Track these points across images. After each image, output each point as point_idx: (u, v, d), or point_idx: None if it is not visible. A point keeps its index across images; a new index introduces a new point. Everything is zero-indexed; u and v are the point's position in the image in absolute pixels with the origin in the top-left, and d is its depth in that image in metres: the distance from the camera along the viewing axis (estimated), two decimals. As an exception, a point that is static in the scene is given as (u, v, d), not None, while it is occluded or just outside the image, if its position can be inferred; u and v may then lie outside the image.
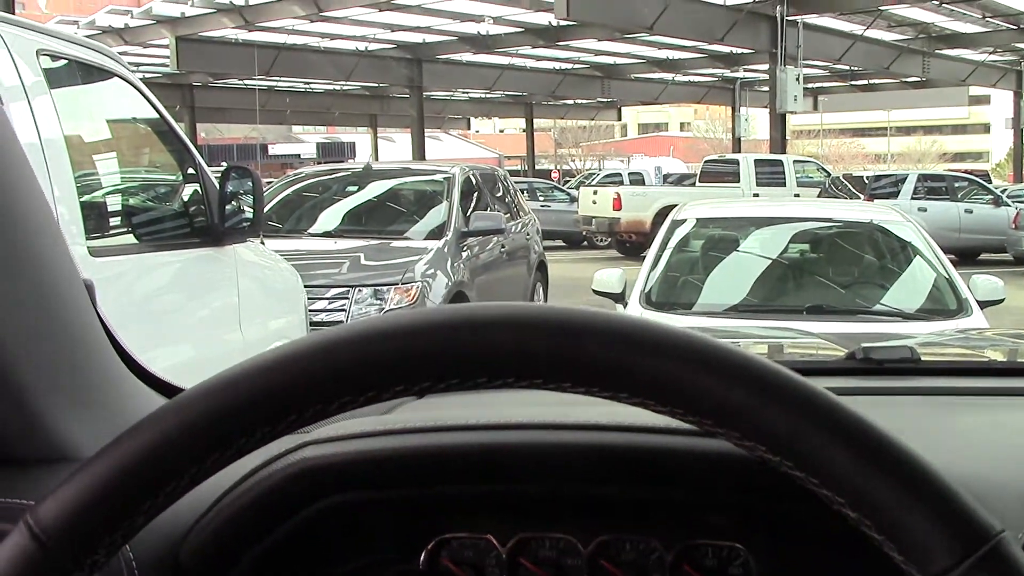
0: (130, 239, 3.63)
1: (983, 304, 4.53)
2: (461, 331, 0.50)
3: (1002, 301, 4.68)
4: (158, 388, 0.92)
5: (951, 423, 0.95)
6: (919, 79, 30.42)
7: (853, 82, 34.46)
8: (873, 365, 1.17)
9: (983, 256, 18.21)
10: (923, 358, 1.20)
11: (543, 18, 21.45)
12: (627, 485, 0.71)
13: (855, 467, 0.49)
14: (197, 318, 3.95)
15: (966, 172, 24.67)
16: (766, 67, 23.10)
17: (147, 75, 27.69)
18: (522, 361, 0.50)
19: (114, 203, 3.75)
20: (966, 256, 17.07)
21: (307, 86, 33.50)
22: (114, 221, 3.69)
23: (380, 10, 20.68)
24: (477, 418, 0.72)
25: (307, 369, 0.51)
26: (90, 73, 3.51)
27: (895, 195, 17.54)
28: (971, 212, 18.02)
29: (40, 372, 0.76)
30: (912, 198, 17.57)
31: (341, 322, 6.25)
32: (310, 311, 5.39)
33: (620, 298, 5.00)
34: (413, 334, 0.51)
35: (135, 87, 3.70)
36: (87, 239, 3.08)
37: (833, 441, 0.49)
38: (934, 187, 18.70)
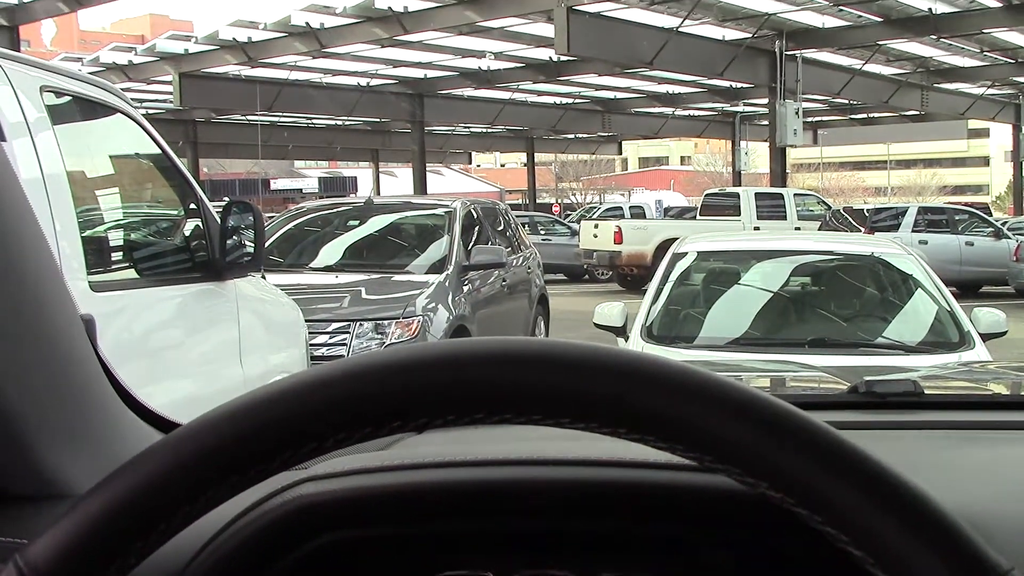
0: (131, 274, 3.63)
1: (985, 337, 4.52)
2: (460, 367, 0.50)
3: (1004, 334, 4.67)
4: (155, 424, 0.91)
5: (955, 458, 0.95)
6: (918, 113, 30.57)
7: (852, 116, 34.63)
8: (876, 399, 1.17)
9: (984, 289, 18.21)
10: (926, 391, 1.20)
11: (544, 54, 21.62)
12: (628, 521, 0.70)
13: (860, 505, 0.48)
14: (198, 353, 3.94)
15: (966, 205, 24.72)
16: (766, 101, 23.23)
17: (150, 111, 27.86)
18: (520, 397, 0.50)
19: (116, 238, 3.76)
20: (967, 289, 17.06)
21: (309, 121, 33.68)
22: (115, 256, 3.69)
23: (382, 46, 20.84)
24: (476, 454, 0.72)
25: (302, 405, 0.50)
26: (93, 109, 3.52)
27: (895, 228, 17.57)
28: (972, 245, 18.04)
29: (35, 408, 0.75)
30: (913, 231, 17.59)
31: (342, 356, 6.24)
32: (311, 345, 5.39)
33: (621, 332, 4.99)
34: (410, 369, 0.50)
35: (138, 123, 3.72)
36: (88, 274, 3.08)
37: (838, 478, 0.49)
38: (934, 220, 18.73)
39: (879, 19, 19.42)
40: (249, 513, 0.69)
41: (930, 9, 18.45)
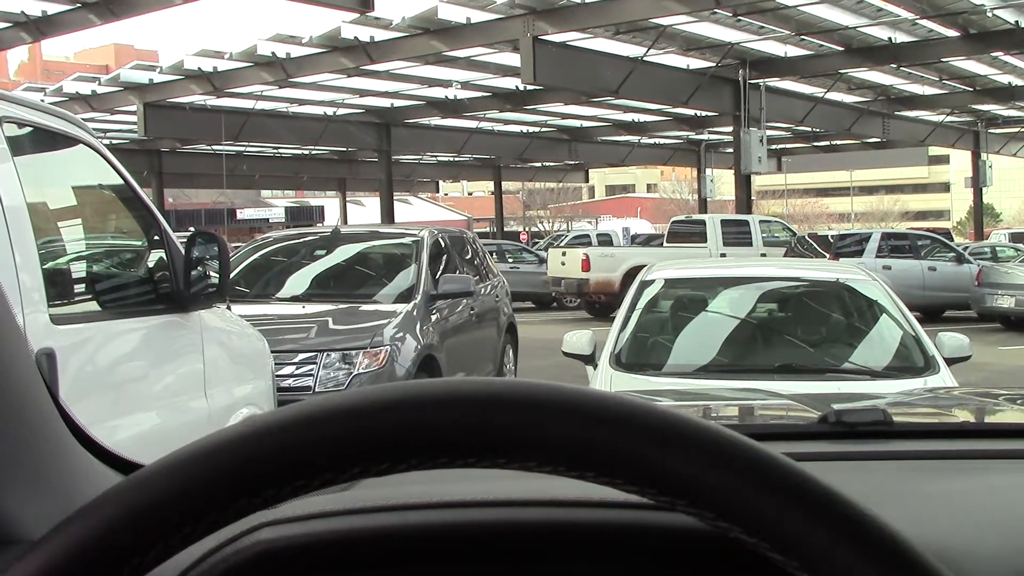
0: (94, 306, 3.58)
1: (950, 361, 4.56)
2: (422, 409, 0.48)
3: (969, 358, 4.72)
4: (112, 464, 0.89)
5: (925, 489, 0.94)
6: (880, 140, 31.03)
7: (816, 143, 35.08)
8: (846, 428, 1.17)
9: (948, 313, 18.42)
10: (895, 420, 1.20)
11: (510, 83, 21.73)
12: (596, 561, 0.69)
13: (833, 547, 0.47)
14: (162, 386, 3.89)
15: (928, 231, 25.06)
16: (730, 129, 23.48)
17: (114, 141, 27.68)
18: (485, 441, 0.48)
19: (78, 270, 3.71)
20: (931, 313, 17.26)
21: (275, 151, 33.62)
22: (77, 288, 3.64)
23: (348, 75, 20.86)
24: (440, 495, 0.70)
25: (259, 451, 0.48)
26: (55, 140, 3.49)
27: (859, 254, 17.76)
28: (935, 270, 18.26)
29: None
30: (876, 256, 17.79)
31: (309, 388, 6.19)
32: (278, 376, 5.33)
33: (590, 360, 4.99)
34: (372, 413, 0.49)
35: (100, 153, 3.68)
36: (50, 306, 3.04)
37: (812, 522, 0.48)
38: (898, 245, 18.96)
39: (840, 48, 19.73)
40: (206, 561, 0.67)
41: (890, 39, 18.77)
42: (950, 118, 29.81)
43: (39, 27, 15.00)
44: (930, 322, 14.49)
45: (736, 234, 20.32)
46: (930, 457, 1.09)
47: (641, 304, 5.08)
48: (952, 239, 25.59)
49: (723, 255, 19.07)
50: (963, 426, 1.46)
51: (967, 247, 22.35)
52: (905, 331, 4.78)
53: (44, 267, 3.07)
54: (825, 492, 0.48)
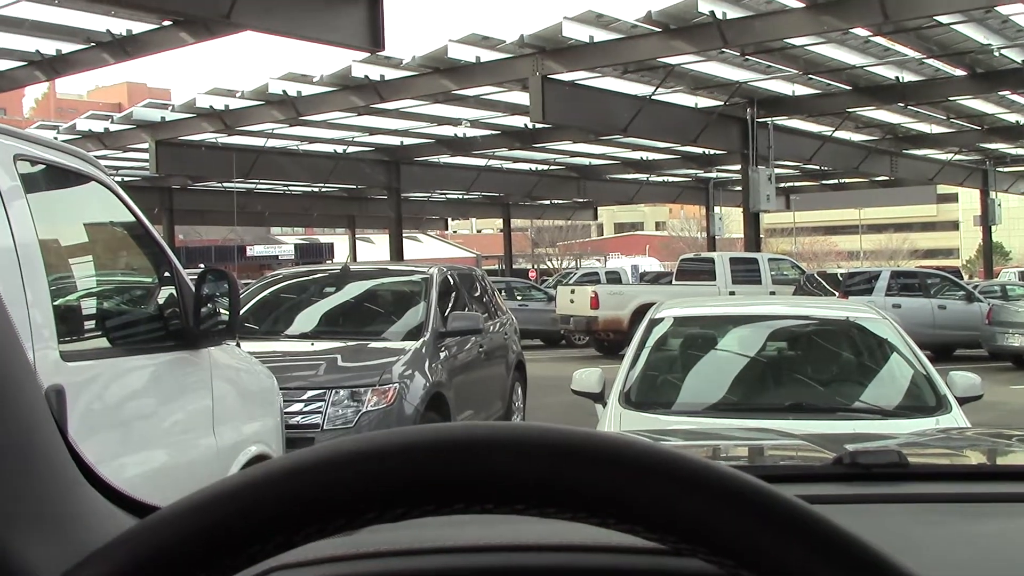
0: (103, 343, 3.58)
1: (962, 401, 4.53)
2: (438, 455, 0.48)
3: (980, 397, 4.68)
4: (121, 504, 0.88)
5: (944, 532, 0.93)
6: (888, 178, 31.07)
7: (824, 181, 35.15)
8: (860, 470, 1.15)
9: (958, 352, 18.33)
10: (910, 461, 1.18)
11: (519, 121, 21.85)
12: None
13: None
14: (170, 423, 3.88)
15: (938, 269, 25.01)
16: (739, 167, 23.55)
17: (126, 178, 27.87)
18: (503, 488, 0.48)
19: (88, 306, 3.71)
20: (941, 352, 17.17)
21: (286, 188, 33.80)
22: (88, 325, 3.65)
23: (359, 114, 21.01)
24: (453, 539, 0.69)
25: (271, 496, 0.48)
26: (67, 177, 3.51)
27: (869, 292, 17.71)
28: (945, 308, 18.20)
29: None
30: (886, 295, 17.74)
31: (317, 425, 6.17)
32: (286, 414, 5.32)
33: (599, 398, 4.97)
34: (387, 456, 0.48)
35: (112, 191, 3.70)
36: (60, 343, 3.04)
37: (828, 566, 0.47)
38: (907, 284, 18.91)
39: (848, 87, 19.81)
40: None
41: (897, 78, 18.86)
42: (958, 156, 29.86)
43: (53, 66, 15.16)
44: (941, 361, 14.41)
45: (745, 272, 20.30)
46: (947, 500, 1.08)
47: (650, 342, 5.07)
48: (962, 277, 25.54)
49: (732, 293, 19.03)
50: (979, 468, 1.45)
51: (977, 285, 22.28)
52: (916, 370, 4.75)
53: (55, 304, 3.08)
54: (854, 544, 0.47)
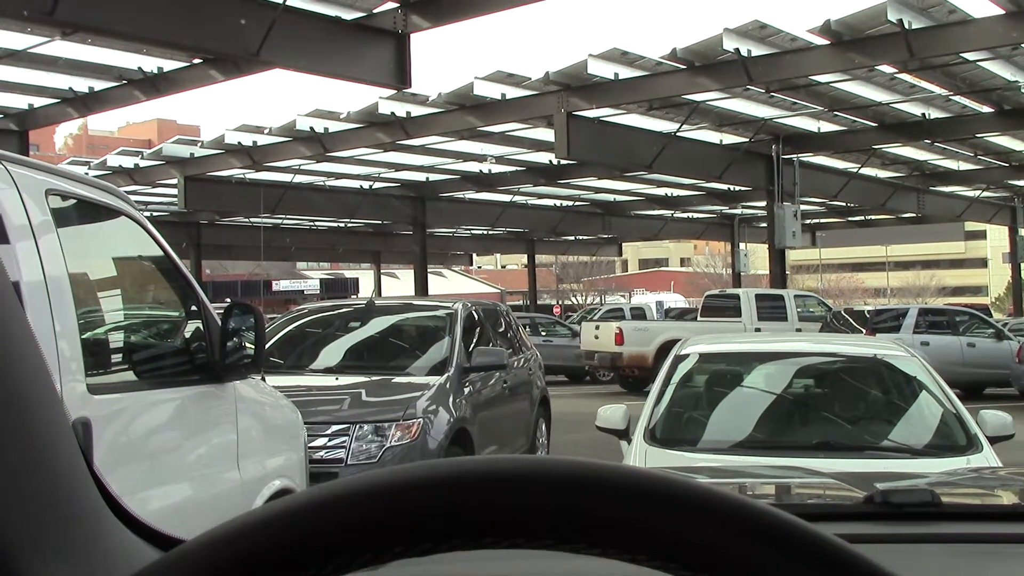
0: (130, 376, 3.60)
1: (993, 440, 4.46)
2: (467, 488, 0.47)
3: (1012, 436, 4.61)
4: (145, 535, 0.88)
5: (978, 574, 0.91)
6: (915, 215, 30.89)
7: (850, 218, 34.99)
8: (892, 509, 1.13)
9: (988, 390, 18.10)
10: (944, 501, 1.16)
11: (544, 157, 21.94)
12: None
13: None
14: (195, 456, 3.89)
15: (966, 306, 24.77)
16: (764, 204, 23.49)
17: (155, 213, 28.17)
18: (534, 521, 0.47)
19: (116, 340, 3.74)
20: (971, 390, 16.96)
21: (312, 223, 34.02)
22: (115, 358, 3.67)
23: (385, 150, 21.16)
24: (478, 573, 0.68)
25: (299, 530, 0.47)
26: (97, 212, 3.55)
27: (896, 329, 17.56)
28: (974, 346, 18.00)
29: (20, 521, 0.72)
30: (914, 332, 17.58)
31: (341, 460, 6.16)
32: (310, 448, 5.32)
33: (624, 434, 4.94)
34: (417, 489, 0.48)
35: (141, 225, 3.74)
36: (87, 376, 3.06)
37: None
38: (935, 321, 18.75)
39: (874, 124, 19.77)
40: None
41: (924, 114, 18.80)
42: (986, 193, 29.67)
43: (86, 103, 15.39)
44: (970, 399, 14.22)
45: (771, 309, 20.19)
46: (981, 540, 1.05)
47: (675, 379, 5.04)
48: (991, 315, 25.27)
49: (757, 330, 18.92)
50: (1013, 508, 1.42)
51: (1006, 323, 22.04)
52: (946, 408, 4.69)
53: (83, 337, 3.10)
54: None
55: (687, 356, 5.24)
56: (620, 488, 0.47)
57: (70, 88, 14.84)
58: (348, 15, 11.83)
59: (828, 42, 13.97)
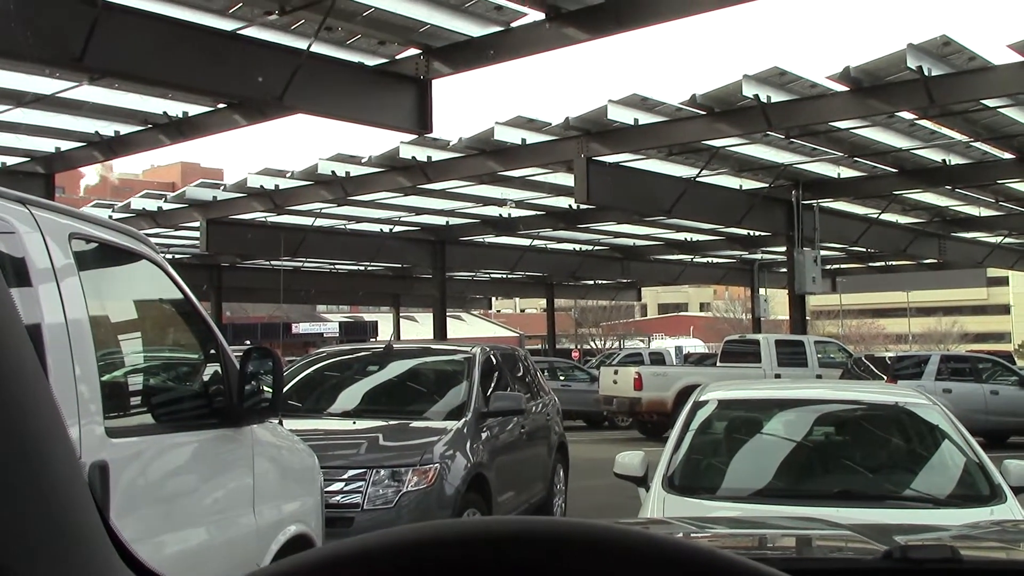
0: (148, 419, 3.61)
1: (1017, 490, 4.39)
2: (503, 544, 0.47)
3: (1036, 487, 4.54)
4: None
5: None
6: (936, 261, 30.73)
7: (871, 263, 34.84)
8: (912, 566, 1.11)
9: (1012, 439, 17.87)
10: (964, 556, 1.14)
11: (564, 202, 22.02)
12: None
13: None
14: (211, 500, 3.88)
15: (989, 353, 24.54)
16: (784, 249, 23.45)
17: (177, 256, 28.40)
18: None
19: (134, 383, 3.76)
20: (994, 439, 16.74)
21: (332, 266, 34.18)
22: (133, 401, 3.68)
23: (405, 194, 21.30)
24: None
25: None
26: (119, 255, 3.58)
27: (918, 376, 17.40)
28: (997, 393, 17.81)
29: (29, 565, 0.72)
30: (936, 379, 17.42)
31: (357, 505, 6.13)
32: (326, 492, 5.30)
33: (642, 481, 4.89)
34: (435, 545, 0.47)
35: (162, 268, 3.77)
36: (106, 419, 3.07)
37: None
38: (958, 368, 18.57)
39: (894, 170, 19.75)
40: None
41: (944, 160, 18.78)
42: (1008, 240, 29.51)
43: (111, 146, 15.60)
44: (994, 448, 14.05)
45: (791, 355, 20.07)
46: None
47: (694, 425, 5.00)
48: (1014, 362, 25.02)
49: (777, 376, 18.80)
50: None
51: (1030, 371, 21.79)
52: (968, 457, 4.63)
53: (102, 379, 3.11)
54: None
55: (706, 402, 5.20)
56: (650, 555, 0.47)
57: (96, 132, 15.05)
58: (371, 61, 11.97)
59: (847, 89, 14.01)
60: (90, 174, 67.98)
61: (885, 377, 16.94)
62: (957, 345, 57.42)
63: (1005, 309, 75.10)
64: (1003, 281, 62.64)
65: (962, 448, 4.70)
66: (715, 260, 34.82)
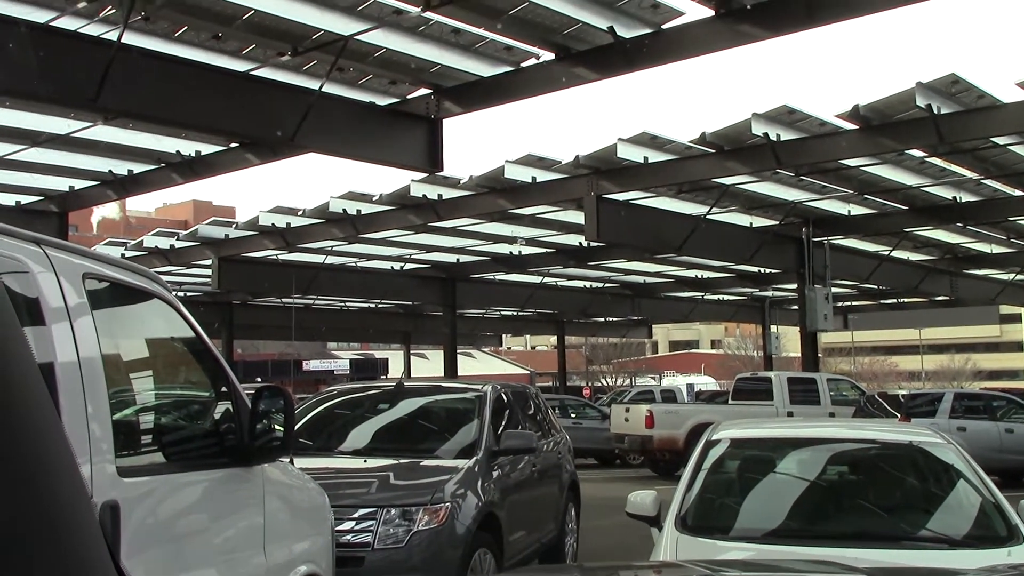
0: (159, 458, 3.60)
1: (1033, 531, 4.35)
2: None
3: (1054, 527, 4.49)
4: None
5: None
6: (948, 298, 30.63)
7: (882, 300, 34.75)
8: None
9: (1028, 478, 17.68)
10: None
11: (574, 239, 22.07)
12: None
13: None
14: (221, 539, 3.87)
15: (1003, 391, 24.38)
16: (795, 286, 23.42)
17: (189, 294, 28.50)
18: None
19: (146, 421, 3.76)
20: (1009, 478, 16.58)
21: (343, 304, 34.25)
22: (145, 439, 3.68)
23: (416, 232, 21.38)
24: None
25: None
26: (132, 294, 3.60)
27: (932, 414, 17.27)
28: (1012, 432, 17.64)
29: None
30: (950, 417, 17.28)
31: (368, 544, 6.09)
32: (337, 531, 5.27)
33: (655, 521, 4.86)
34: None
35: (174, 307, 3.78)
36: (117, 457, 3.07)
37: None
38: (972, 406, 18.43)
39: (904, 207, 19.76)
40: None
41: (955, 198, 18.78)
42: (1020, 276, 29.42)
43: (125, 185, 15.72)
44: (1009, 487, 13.90)
45: (803, 392, 19.96)
46: None
47: (707, 464, 4.97)
48: (1029, 400, 24.79)
49: (790, 414, 18.70)
50: None
51: (1045, 409, 21.59)
52: (984, 497, 4.59)
53: (114, 418, 3.12)
54: None
55: (718, 441, 5.18)
56: None
57: (110, 171, 15.18)
58: (382, 101, 12.08)
59: (856, 127, 14.05)
60: (103, 212, 68.45)
61: (898, 415, 16.82)
62: (970, 382, 57.10)
63: (1018, 346, 74.68)
64: (1016, 318, 62.36)
65: (978, 488, 4.66)
66: (726, 297, 34.78)
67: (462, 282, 28.24)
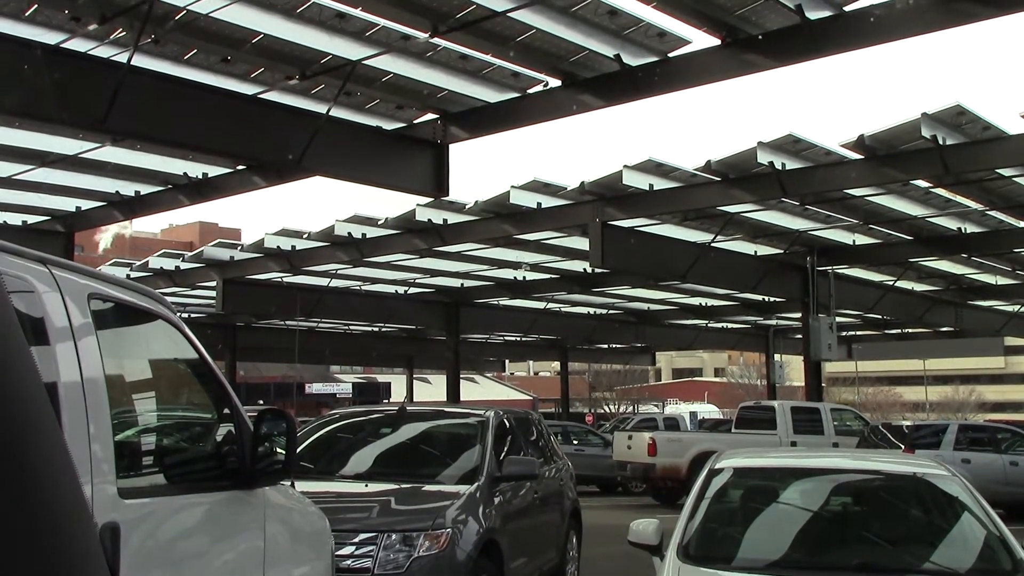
0: (160, 479, 3.60)
1: (1039, 565, 4.32)
2: None
3: (1059, 562, 4.45)
4: None
5: None
6: (953, 329, 30.56)
7: (887, 331, 34.66)
8: None
9: (1033, 511, 17.57)
10: None
11: (578, 265, 22.07)
12: None
13: None
14: (221, 563, 3.85)
15: (1008, 423, 24.26)
16: (799, 315, 23.38)
17: (193, 315, 28.50)
18: None
19: (148, 443, 3.75)
20: (1014, 510, 16.47)
21: (346, 327, 34.24)
22: (146, 461, 3.67)
23: (420, 256, 21.40)
24: None
25: None
26: (137, 315, 3.60)
27: (936, 445, 17.18)
28: (1017, 464, 17.56)
29: None
30: (954, 449, 17.20)
31: (368, 569, 6.06)
32: (337, 556, 5.25)
33: (657, 550, 4.83)
34: None
35: (178, 328, 3.79)
36: (118, 478, 3.06)
37: None
38: (976, 438, 18.34)
39: (909, 237, 19.76)
40: None
41: (960, 228, 18.78)
42: (1025, 308, 29.39)
43: (131, 206, 15.77)
44: (1014, 520, 13.81)
45: (807, 422, 19.88)
46: None
47: (710, 493, 4.95)
48: (1033, 433, 24.67)
49: (793, 443, 18.63)
50: None
51: (1050, 442, 21.48)
52: (989, 530, 4.56)
53: (116, 439, 3.11)
54: None
55: (722, 470, 5.16)
56: None
57: (117, 192, 15.22)
58: (389, 125, 12.13)
59: (861, 157, 14.07)
60: (109, 233, 68.63)
61: (902, 446, 16.74)
62: (975, 414, 56.86)
63: (1023, 378, 74.43)
64: (1021, 350, 62.10)
65: (982, 520, 4.63)
66: (730, 325, 34.73)
67: (466, 307, 28.23)
